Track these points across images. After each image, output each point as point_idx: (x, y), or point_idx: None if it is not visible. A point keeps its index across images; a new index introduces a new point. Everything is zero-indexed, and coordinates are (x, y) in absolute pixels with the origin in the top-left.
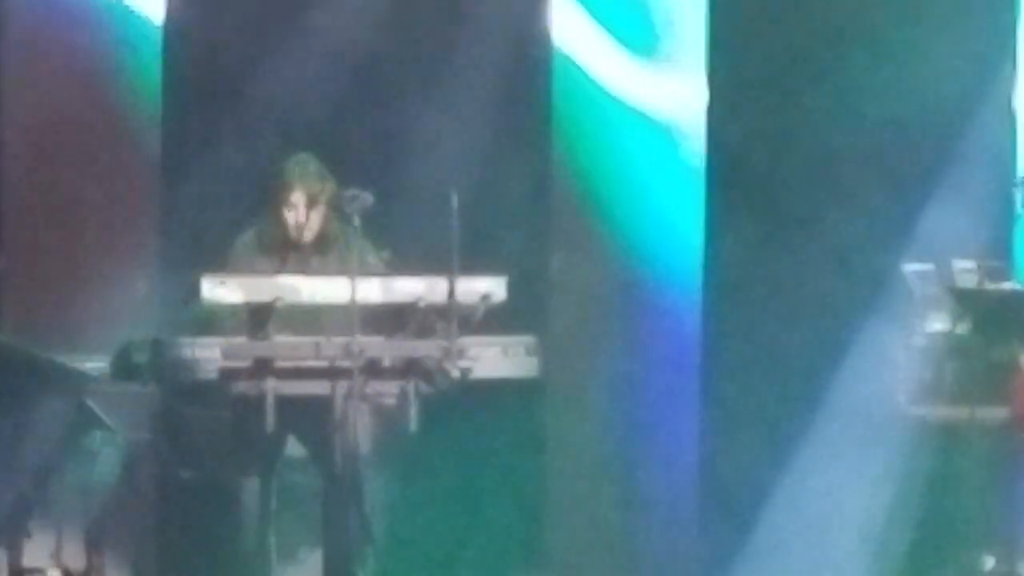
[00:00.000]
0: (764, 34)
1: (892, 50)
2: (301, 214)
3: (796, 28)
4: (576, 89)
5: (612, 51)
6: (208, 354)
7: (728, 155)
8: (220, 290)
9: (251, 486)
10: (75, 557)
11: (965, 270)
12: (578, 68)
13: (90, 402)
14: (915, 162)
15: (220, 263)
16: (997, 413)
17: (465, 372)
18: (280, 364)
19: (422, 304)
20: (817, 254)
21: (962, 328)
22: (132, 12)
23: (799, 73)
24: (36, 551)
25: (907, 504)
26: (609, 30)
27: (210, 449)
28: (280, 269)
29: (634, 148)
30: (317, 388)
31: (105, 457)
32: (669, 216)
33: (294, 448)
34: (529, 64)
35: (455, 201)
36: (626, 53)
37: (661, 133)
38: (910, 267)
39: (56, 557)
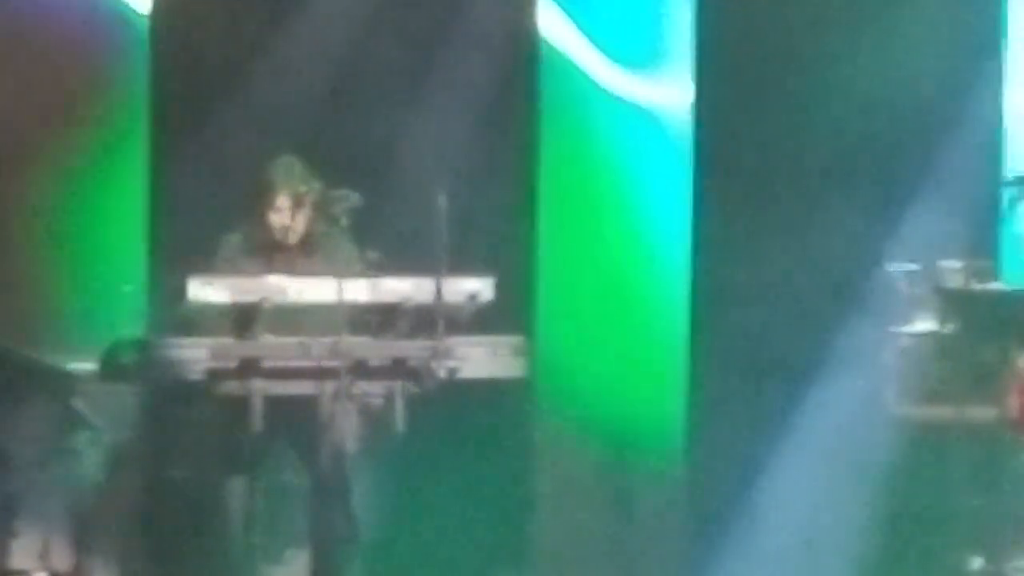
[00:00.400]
0: (751, 31)
1: (880, 47)
2: (286, 217)
3: (784, 26)
4: (565, 87)
5: (598, 49)
6: (195, 354)
7: (715, 152)
8: (207, 290)
9: (237, 486)
10: (62, 558)
11: (952, 270)
12: (567, 66)
13: (77, 402)
14: (902, 161)
15: (207, 263)
16: (984, 413)
17: (452, 372)
18: (267, 364)
19: (409, 304)
20: (804, 254)
21: (949, 328)
22: (119, 4)
23: (786, 71)
24: (23, 552)
25: (894, 504)
26: (596, 27)
27: (197, 449)
28: (266, 271)
29: (623, 145)
30: (304, 388)
31: (92, 457)
32: (657, 213)
33: (281, 448)
34: (518, 63)
35: (442, 201)
36: (613, 49)
37: (649, 129)
38: (897, 267)
39: (43, 558)
